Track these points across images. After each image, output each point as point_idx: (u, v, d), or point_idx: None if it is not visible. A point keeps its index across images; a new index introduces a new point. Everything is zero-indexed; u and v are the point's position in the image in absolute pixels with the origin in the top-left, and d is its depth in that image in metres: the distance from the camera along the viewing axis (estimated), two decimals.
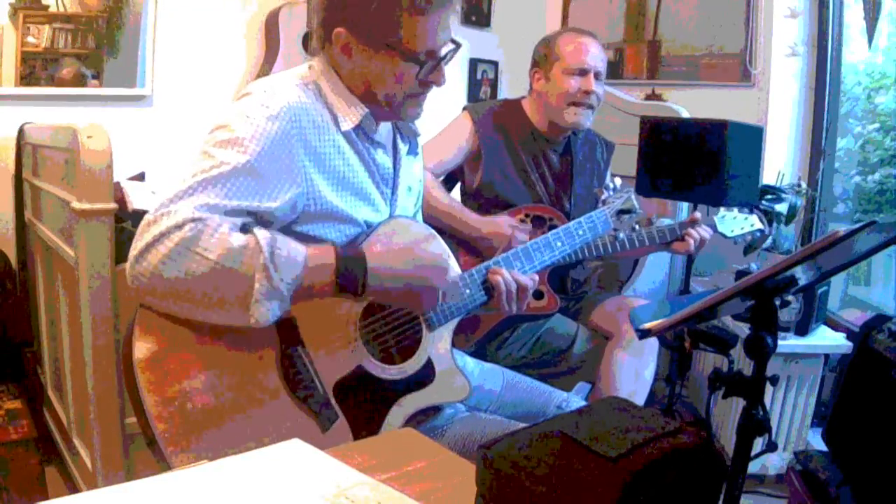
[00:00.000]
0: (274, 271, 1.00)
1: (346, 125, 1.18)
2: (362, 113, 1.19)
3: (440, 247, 1.29)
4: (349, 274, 1.08)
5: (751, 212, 1.90)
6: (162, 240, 0.99)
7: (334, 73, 1.20)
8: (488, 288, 1.33)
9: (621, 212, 1.63)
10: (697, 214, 1.86)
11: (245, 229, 1.06)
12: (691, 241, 1.79)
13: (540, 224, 1.90)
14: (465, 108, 2.01)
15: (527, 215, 1.91)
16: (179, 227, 0.99)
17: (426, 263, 1.16)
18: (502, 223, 1.84)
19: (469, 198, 2.00)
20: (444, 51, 1.19)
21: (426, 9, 1.13)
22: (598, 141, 2.11)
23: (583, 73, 1.89)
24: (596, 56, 1.91)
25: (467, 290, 1.29)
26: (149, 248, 0.99)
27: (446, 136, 1.98)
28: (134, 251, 1.01)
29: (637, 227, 1.69)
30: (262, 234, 1.02)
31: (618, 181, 1.67)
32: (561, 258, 1.52)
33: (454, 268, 1.30)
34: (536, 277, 1.38)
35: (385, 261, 1.12)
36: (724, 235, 1.88)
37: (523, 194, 1.94)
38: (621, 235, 1.74)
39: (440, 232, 1.36)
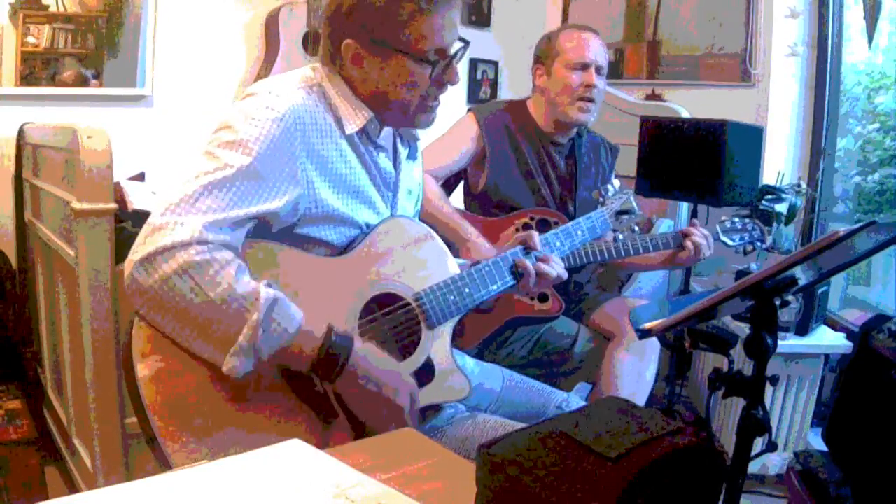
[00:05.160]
0: (262, 332, 1.00)
1: (351, 128, 1.18)
2: (367, 117, 1.19)
3: (446, 259, 1.30)
4: (330, 355, 1.06)
5: (750, 219, 1.90)
6: (166, 256, 0.99)
7: (339, 78, 1.20)
8: (515, 274, 1.33)
9: (620, 212, 1.63)
10: (695, 221, 1.87)
11: (246, 234, 1.07)
12: (690, 246, 1.78)
13: (545, 227, 1.90)
14: (469, 110, 2.01)
15: (532, 218, 1.91)
16: (186, 246, 0.99)
17: (404, 383, 1.13)
18: (490, 252, 1.78)
19: (473, 200, 2.00)
20: (453, 49, 1.19)
21: (431, 8, 1.13)
22: (603, 144, 2.10)
23: (584, 67, 1.89)
24: (597, 51, 1.91)
25: (466, 290, 1.29)
26: (151, 260, 0.99)
27: (451, 138, 1.97)
28: (136, 255, 1.01)
29: (636, 227, 1.69)
30: (265, 293, 1.01)
31: (616, 183, 1.67)
32: (561, 258, 1.52)
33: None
34: (565, 273, 1.39)
35: (370, 355, 1.10)
36: (725, 244, 1.88)
37: (528, 197, 1.94)
38: (621, 237, 1.74)
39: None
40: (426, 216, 1.64)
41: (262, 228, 1.10)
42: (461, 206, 2.04)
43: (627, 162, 2.50)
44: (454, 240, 1.80)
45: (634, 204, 1.64)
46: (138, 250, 1.01)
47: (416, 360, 1.24)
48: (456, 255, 1.54)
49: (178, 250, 0.99)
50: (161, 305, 1.00)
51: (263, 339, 1.00)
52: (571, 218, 1.94)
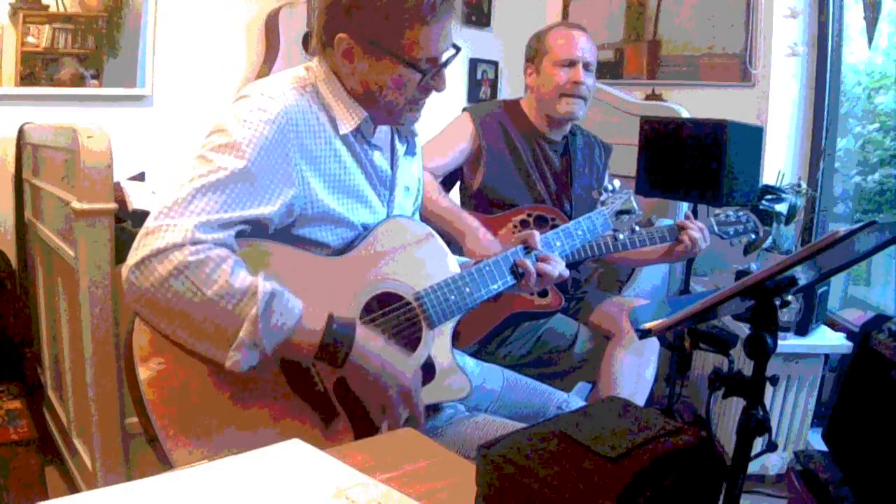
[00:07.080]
0: (262, 326, 1.00)
1: (345, 128, 1.18)
2: (361, 116, 1.19)
3: (447, 251, 1.29)
4: (333, 345, 1.06)
5: (744, 212, 1.91)
6: (160, 258, 0.99)
7: (334, 77, 1.20)
8: (516, 273, 1.34)
9: (620, 212, 1.63)
10: (689, 214, 1.87)
11: (242, 235, 1.07)
12: (686, 239, 1.80)
13: (542, 224, 1.90)
14: (465, 110, 2.02)
15: (529, 215, 1.91)
16: (180, 247, 0.99)
17: (405, 365, 1.14)
18: (492, 244, 1.79)
19: (470, 198, 2.00)
20: (445, 56, 1.19)
21: (431, 19, 1.13)
22: (597, 143, 2.11)
23: (572, 64, 1.91)
24: (585, 48, 1.93)
25: (467, 289, 1.28)
26: (146, 263, 0.99)
27: (447, 137, 1.98)
28: (131, 260, 1.01)
29: (637, 228, 1.70)
30: (262, 286, 1.01)
31: (617, 183, 1.68)
32: (560, 257, 1.52)
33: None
34: (566, 271, 1.39)
35: (372, 342, 1.10)
36: (720, 237, 1.88)
37: (525, 195, 1.95)
38: (621, 236, 1.75)
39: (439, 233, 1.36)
40: (423, 211, 1.64)
41: (258, 230, 1.10)
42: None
43: (627, 162, 2.50)
44: (453, 232, 1.79)
45: (635, 203, 1.64)
46: (133, 255, 1.01)
47: (417, 359, 1.24)
48: (456, 250, 1.54)
49: (172, 252, 0.99)
50: (160, 307, 1.00)
51: (264, 333, 1.00)
52: (567, 215, 1.94)
